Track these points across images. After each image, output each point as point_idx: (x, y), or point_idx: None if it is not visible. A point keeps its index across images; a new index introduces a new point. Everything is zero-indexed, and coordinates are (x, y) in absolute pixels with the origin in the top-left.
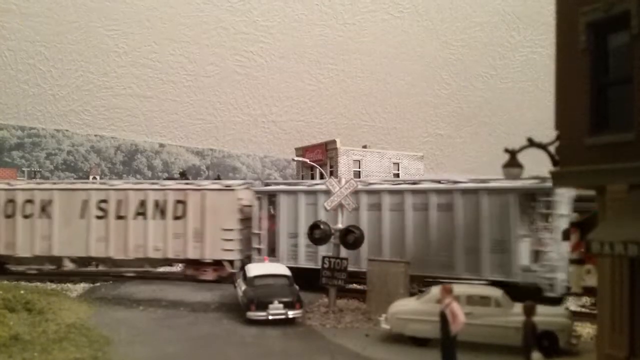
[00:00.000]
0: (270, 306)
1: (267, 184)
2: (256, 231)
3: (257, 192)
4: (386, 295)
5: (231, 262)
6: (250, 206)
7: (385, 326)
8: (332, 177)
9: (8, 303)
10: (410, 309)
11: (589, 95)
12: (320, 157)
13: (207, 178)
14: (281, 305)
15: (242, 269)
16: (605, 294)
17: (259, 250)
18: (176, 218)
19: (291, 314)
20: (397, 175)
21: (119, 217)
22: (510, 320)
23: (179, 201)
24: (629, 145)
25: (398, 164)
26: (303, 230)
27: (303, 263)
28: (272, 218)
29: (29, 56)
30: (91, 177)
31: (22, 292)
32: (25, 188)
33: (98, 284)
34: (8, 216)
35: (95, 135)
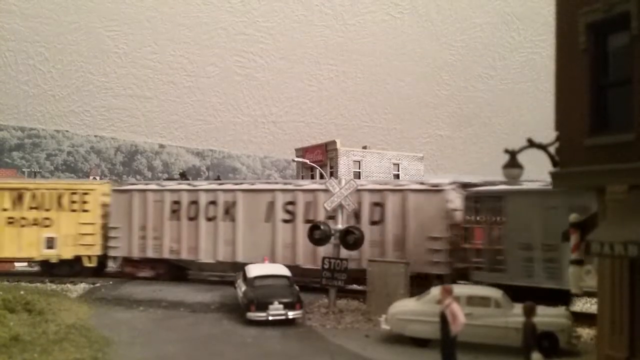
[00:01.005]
0: (270, 307)
1: (484, 184)
2: (476, 242)
3: (475, 194)
4: (386, 295)
5: (440, 276)
6: (459, 210)
7: (385, 327)
8: (332, 177)
9: (8, 304)
10: (410, 310)
11: (589, 96)
12: (320, 158)
13: (207, 179)
14: (281, 306)
15: (242, 269)
16: (605, 295)
17: (477, 265)
18: (373, 223)
19: (291, 314)
20: (397, 176)
21: (308, 221)
22: (510, 321)
23: (375, 203)
24: (628, 145)
25: (398, 164)
26: (539, 240)
27: (542, 281)
28: (492, 225)
29: (29, 57)
30: (91, 177)
31: (22, 292)
32: (208, 189)
33: (98, 285)
34: (191, 218)
35: (95, 136)
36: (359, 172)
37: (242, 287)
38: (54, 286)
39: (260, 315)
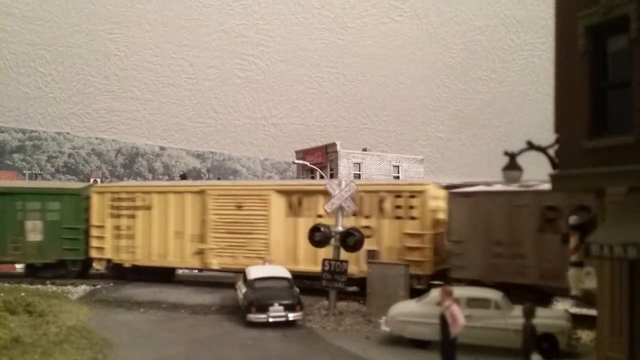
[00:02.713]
0: (271, 308)
1: None
2: None
3: None
4: (386, 297)
5: None
6: None
7: (385, 328)
8: (333, 179)
9: (9, 305)
10: (410, 312)
11: (588, 99)
12: (320, 160)
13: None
14: (281, 308)
15: (243, 271)
16: (605, 297)
17: None
18: None
19: (291, 316)
20: (397, 178)
21: None
22: (510, 323)
23: None
24: (628, 148)
25: (398, 166)
26: None
27: None
28: None
29: (30, 59)
30: (92, 179)
31: (22, 294)
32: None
33: (99, 287)
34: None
35: (96, 138)
36: (359, 174)
37: (242, 289)
38: (54, 288)
39: (260, 317)
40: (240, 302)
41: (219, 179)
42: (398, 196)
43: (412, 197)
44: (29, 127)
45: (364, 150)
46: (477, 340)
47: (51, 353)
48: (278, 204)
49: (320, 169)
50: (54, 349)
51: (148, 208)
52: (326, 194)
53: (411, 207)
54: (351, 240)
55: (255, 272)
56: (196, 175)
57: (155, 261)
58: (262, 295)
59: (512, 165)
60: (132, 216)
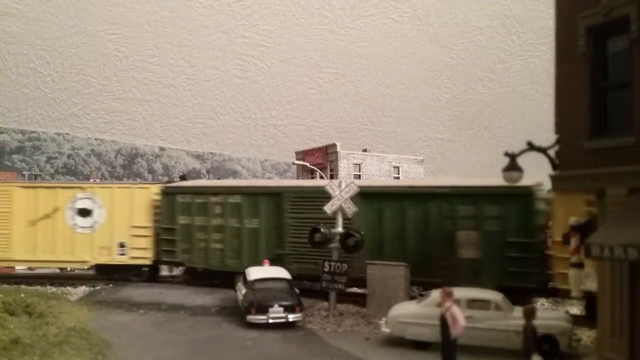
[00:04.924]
0: (271, 310)
1: None
2: None
3: None
4: (386, 298)
5: None
6: None
7: (385, 330)
8: (332, 180)
9: (8, 306)
10: (410, 313)
11: (589, 99)
12: (320, 161)
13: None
14: (281, 309)
15: (243, 272)
16: (606, 298)
17: None
18: None
19: (291, 317)
20: (397, 179)
21: None
22: (511, 324)
23: None
24: (628, 148)
25: (398, 167)
26: None
27: None
28: None
29: (30, 60)
30: (91, 180)
31: (22, 295)
32: None
33: (98, 288)
34: None
35: (96, 139)
36: (359, 174)
37: (242, 290)
38: (54, 289)
39: (260, 318)
40: (240, 303)
41: (218, 179)
42: None
43: None
44: (28, 127)
45: (364, 151)
46: (477, 342)
47: (51, 354)
48: None
49: (320, 170)
50: (53, 350)
51: None
52: None
53: None
54: (351, 241)
55: (255, 273)
56: (196, 175)
57: None
58: (261, 296)
59: (512, 166)
60: None
